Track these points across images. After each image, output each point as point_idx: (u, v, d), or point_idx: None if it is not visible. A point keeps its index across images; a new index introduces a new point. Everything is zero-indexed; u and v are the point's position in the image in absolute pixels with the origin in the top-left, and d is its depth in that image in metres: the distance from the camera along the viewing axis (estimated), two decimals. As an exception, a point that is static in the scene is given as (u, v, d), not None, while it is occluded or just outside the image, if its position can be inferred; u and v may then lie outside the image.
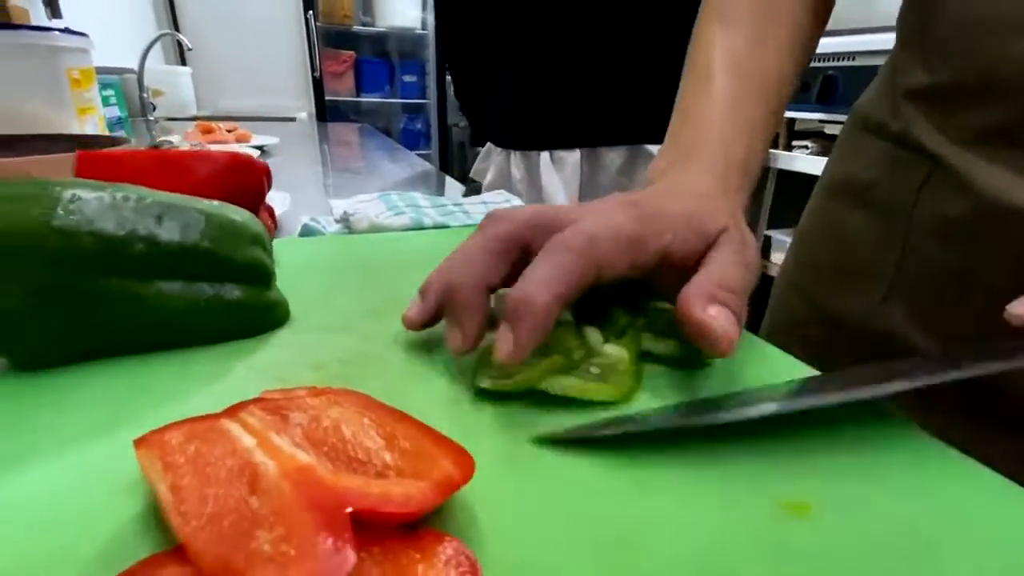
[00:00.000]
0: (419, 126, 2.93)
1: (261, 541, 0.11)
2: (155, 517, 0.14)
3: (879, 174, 0.33)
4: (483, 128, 0.88)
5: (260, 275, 0.24)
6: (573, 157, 0.73)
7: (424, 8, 2.67)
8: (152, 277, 0.21)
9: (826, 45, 1.42)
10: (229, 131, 1.01)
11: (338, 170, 0.97)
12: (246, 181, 0.30)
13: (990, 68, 0.26)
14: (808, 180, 1.56)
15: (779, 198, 1.74)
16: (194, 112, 2.13)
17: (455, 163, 3.18)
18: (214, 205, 0.23)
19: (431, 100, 2.82)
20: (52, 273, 0.19)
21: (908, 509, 0.15)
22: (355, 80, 2.76)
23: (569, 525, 0.14)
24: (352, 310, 0.27)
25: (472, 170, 0.92)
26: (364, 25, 2.63)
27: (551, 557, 0.13)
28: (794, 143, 1.66)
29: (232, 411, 0.15)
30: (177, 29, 2.65)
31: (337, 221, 0.47)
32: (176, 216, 0.22)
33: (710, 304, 0.18)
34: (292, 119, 2.21)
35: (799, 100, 1.51)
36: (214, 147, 0.85)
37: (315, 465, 0.13)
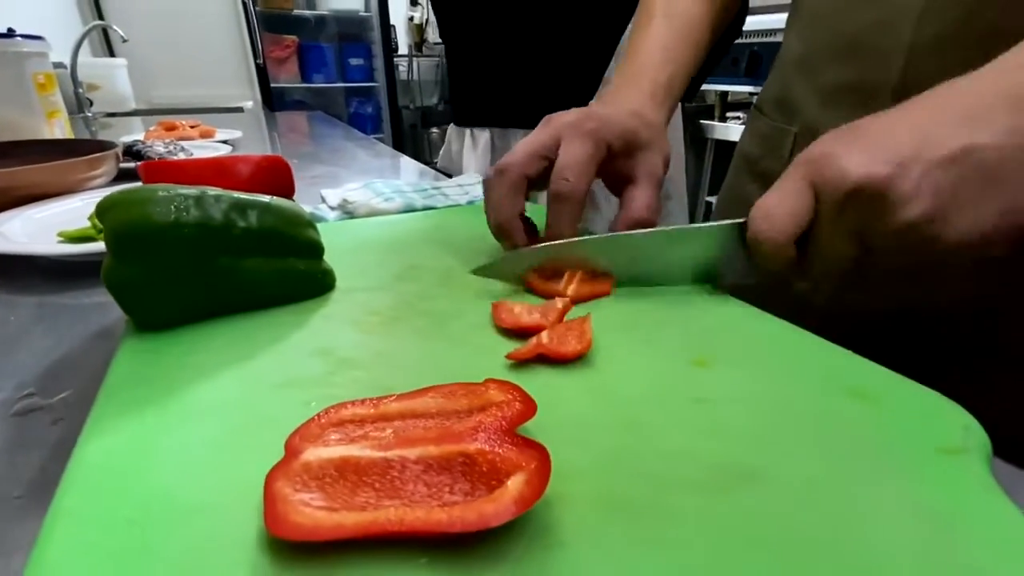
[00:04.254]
0: (369, 109, 2.92)
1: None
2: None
3: (763, 148, 0.43)
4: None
5: (315, 250, 0.31)
6: (484, 135, 0.89)
7: (366, -13, 2.64)
8: (244, 255, 0.28)
9: (752, 23, 1.55)
10: (192, 127, 1.03)
11: (306, 159, 1.00)
12: (278, 178, 0.36)
13: (841, 34, 0.35)
14: (742, 148, 1.71)
15: (718, 166, 1.89)
16: (132, 106, 2.06)
17: (408, 144, 3.18)
18: (275, 199, 0.30)
19: (380, 83, 2.81)
20: (170, 257, 0.26)
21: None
22: (299, 66, 2.71)
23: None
24: (380, 276, 0.34)
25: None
26: (306, 8, 2.58)
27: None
28: (728, 114, 1.79)
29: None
30: (102, 19, 2.51)
31: (333, 208, 0.54)
32: (254, 207, 0.28)
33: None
34: (239, 109, 2.16)
35: (730, 74, 1.63)
36: (187, 144, 0.87)
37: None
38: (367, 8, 2.65)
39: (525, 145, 0.33)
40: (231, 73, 2.60)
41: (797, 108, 0.39)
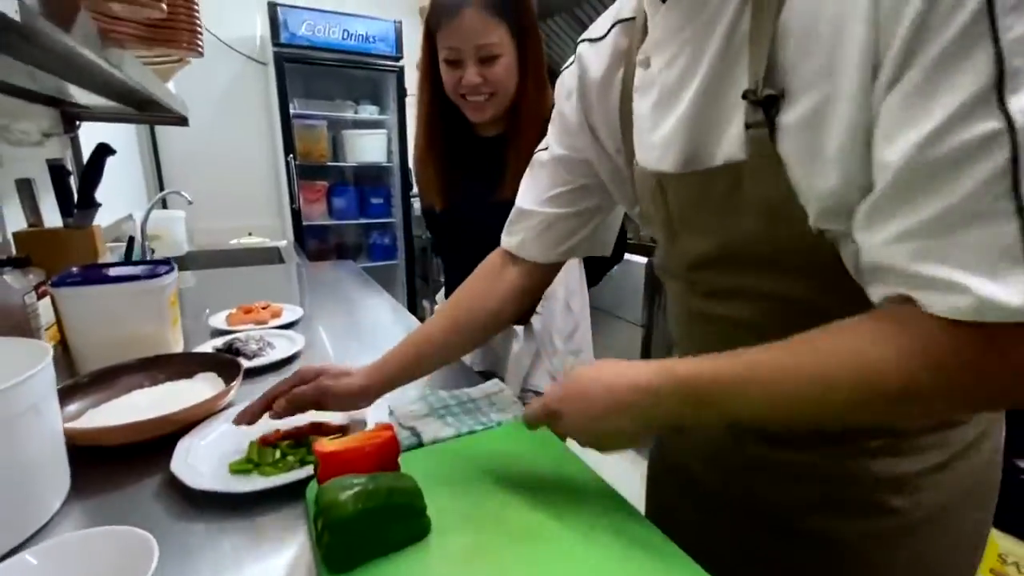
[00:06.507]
0: (386, 240, 3.29)
1: None
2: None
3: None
4: None
5: (424, 511, 0.53)
6: None
7: (389, 143, 3.10)
8: (394, 521, 0.50)
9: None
10: (264, 308, 1.29)
11: (339, 333, 1.24)
12: (391, 451, 0.59)
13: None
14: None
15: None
16: (186, 249, 2.37)
17: (419, 265, 3.52)
18: (404, 481, 0.53)
19: (397, 219, 3.21)
20: (353, 530, 0.48)
21: None
22: (327, 204, 3.10)
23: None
24: (457, 514, 0.55)
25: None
26: (336, 161, 3.02)
27: None
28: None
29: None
30: (159, 170, 2.92)
31: (404, 428, 0.76)
32: (395, 490, 0.51)
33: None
34: (276, 252, 2.48)
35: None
36: (266, 335, 1.12)
37: None
38: (389, 160, 3.11)
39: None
40: (268, 212, 2.99)
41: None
